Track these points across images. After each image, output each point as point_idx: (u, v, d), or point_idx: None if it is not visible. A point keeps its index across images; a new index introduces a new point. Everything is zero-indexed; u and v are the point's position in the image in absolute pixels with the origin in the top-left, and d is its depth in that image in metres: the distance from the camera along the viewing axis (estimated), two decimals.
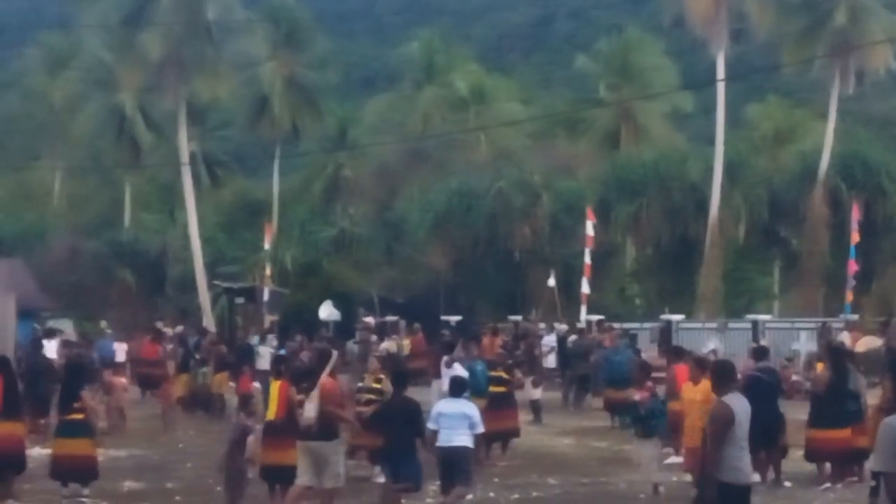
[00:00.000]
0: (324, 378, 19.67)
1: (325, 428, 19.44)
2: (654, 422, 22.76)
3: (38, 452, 24.49)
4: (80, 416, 22.68)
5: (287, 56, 71.78)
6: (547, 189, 63.78)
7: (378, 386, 23.41)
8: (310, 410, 19.33)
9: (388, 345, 41.40)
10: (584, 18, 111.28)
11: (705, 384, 22.00)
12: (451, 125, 72.20)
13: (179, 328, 49.39)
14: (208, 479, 24.36)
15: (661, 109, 71.84)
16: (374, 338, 43.47)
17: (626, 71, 71.74)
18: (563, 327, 46.38)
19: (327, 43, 77.92)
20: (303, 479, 19.54)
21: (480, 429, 19.97)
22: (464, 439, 19.54)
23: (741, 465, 13.67)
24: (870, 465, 17.74)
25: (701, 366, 22.88)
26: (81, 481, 22.24)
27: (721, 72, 61.75)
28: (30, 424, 27.05)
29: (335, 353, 22.21)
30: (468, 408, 20.08)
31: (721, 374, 14.88)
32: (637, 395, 23.86)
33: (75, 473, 22.27)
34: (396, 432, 19.64)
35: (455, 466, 19.54)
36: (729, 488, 13.57)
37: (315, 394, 19.36)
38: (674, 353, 28.76)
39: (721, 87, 62.03)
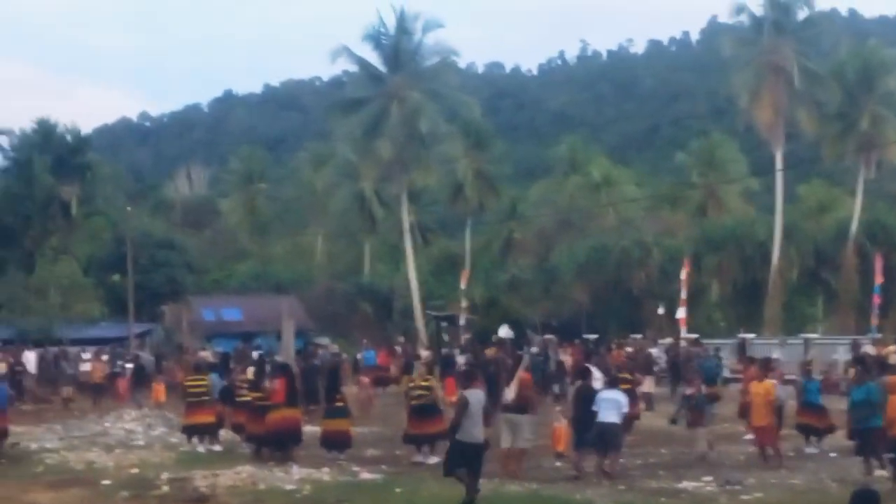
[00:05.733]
0: (521, 372, 20.19)
1: (520, 405, 19.93)
2: (701, 410, 22.50)
3: (309, 429, 24.86)
4: (341, 404, 23.12)
5: (475, 155, 72.07)
6: (656, 246, 63.45)
7: (426, 383, 22.93)
8: (510, 393, 20.09)
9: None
10: (682, 126, 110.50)
11: (767, 382, 21.86)
12: (588, 202, 72.24)
13: (402, 342, 49.56)
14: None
15: (737, 190, 71.10)
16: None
17: (712, 163, 71.26)
18: (669, 341, 45.99)
19: (503, 146, 78.27)
20: (504, 442, 20.01)
21: (626, 409, 20.17)
22: (613, 417, 19.61)
23: (473, 431, 15.95)
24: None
25: (764, 369, 22.67)
26: (341, 449, 22.60)
27: (779, 163, 61.05)
28: (304, 410, 27.57)
29: (526, 357, 22.57)
30: (619, 395, 20.21)
31: (465, 378, 17.86)
32: (688, 390, 23.53)
33: (338, 443, 22.64)
34: (579, 411, 20.19)
35: (607, 437, 19.61)
36: (463, 444, 15.98)
37: (514, 383, 20.07)
38: (747, 361, 28.61)
39: (779, 174, 61.26)
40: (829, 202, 69.58)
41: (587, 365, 27.39)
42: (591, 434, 19.85)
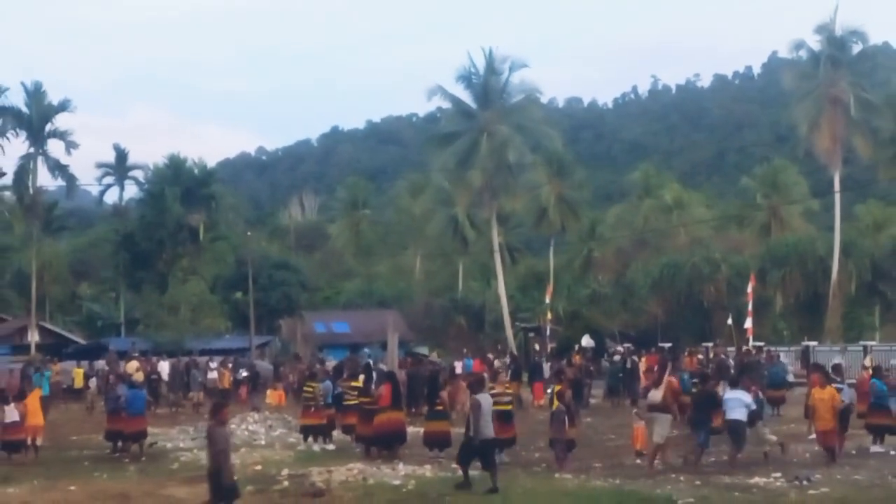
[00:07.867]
0: (667, 377, 20.68)
1: (664, 405, 20.27)
2: (757, 411, 22.12)
3: (413, 430, 24.91)
4: (441, 407, 23.18)
5: (557, 182, 71.79)
6: (724, 262, 62.76)
7: (510, 390, 23.02)
8: (655, 395, 20.45)
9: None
10: (746, 153, 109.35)
11: (830, 389, 21.42)
12: (661, 223, 71.84)
13: (500, 349, 49.43)
14: (517, 444, 24.39)
15: (798, 210, 70.40)
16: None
17: (775, 186, 70.67)
18: (732, 349, 45.37)
19: (583, 173, 77.90)
20: (656, 437, 20.47)
21: (753, 407, 20.37)
22: (738, 414, 20.00)
23: (485, 429, 17.60)
24: None
25: (826, 377, 22.25)
26: (441, 448, 22.60)
27: (837, 185, 60.14)
28: (408, 412, 27.62)
29: (670, 364, 22.61)
30: (743, 395, 20.44)
31: (475, 383, 19.22)
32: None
33: (439, 443, 22.62)
34: (698, 412, 20.59)
35: (733, 432, 20.09)
36: (480, 441, 17.49)
37: (662, 386, 20.43)
38: (812, 368, 28.07)
39: (837, 195, 60.28)
40: (885, 220, 68.61)
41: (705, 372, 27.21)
42: (706, 434, 20.25)
